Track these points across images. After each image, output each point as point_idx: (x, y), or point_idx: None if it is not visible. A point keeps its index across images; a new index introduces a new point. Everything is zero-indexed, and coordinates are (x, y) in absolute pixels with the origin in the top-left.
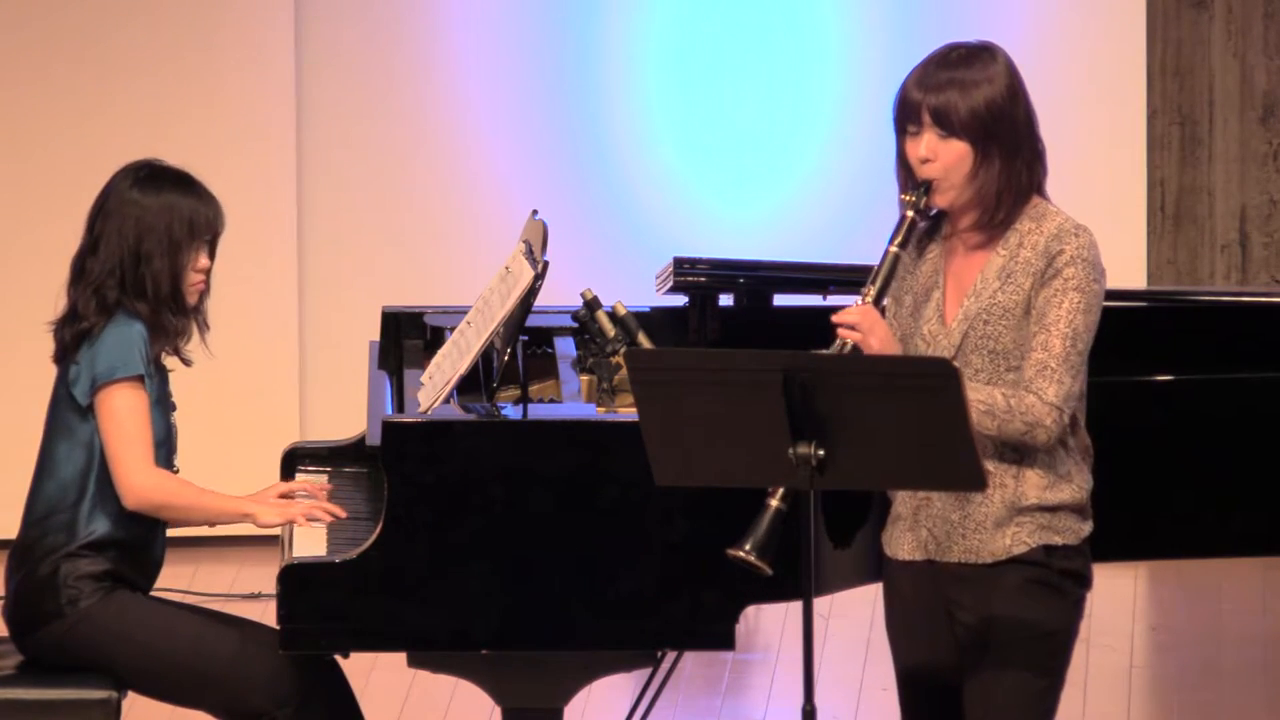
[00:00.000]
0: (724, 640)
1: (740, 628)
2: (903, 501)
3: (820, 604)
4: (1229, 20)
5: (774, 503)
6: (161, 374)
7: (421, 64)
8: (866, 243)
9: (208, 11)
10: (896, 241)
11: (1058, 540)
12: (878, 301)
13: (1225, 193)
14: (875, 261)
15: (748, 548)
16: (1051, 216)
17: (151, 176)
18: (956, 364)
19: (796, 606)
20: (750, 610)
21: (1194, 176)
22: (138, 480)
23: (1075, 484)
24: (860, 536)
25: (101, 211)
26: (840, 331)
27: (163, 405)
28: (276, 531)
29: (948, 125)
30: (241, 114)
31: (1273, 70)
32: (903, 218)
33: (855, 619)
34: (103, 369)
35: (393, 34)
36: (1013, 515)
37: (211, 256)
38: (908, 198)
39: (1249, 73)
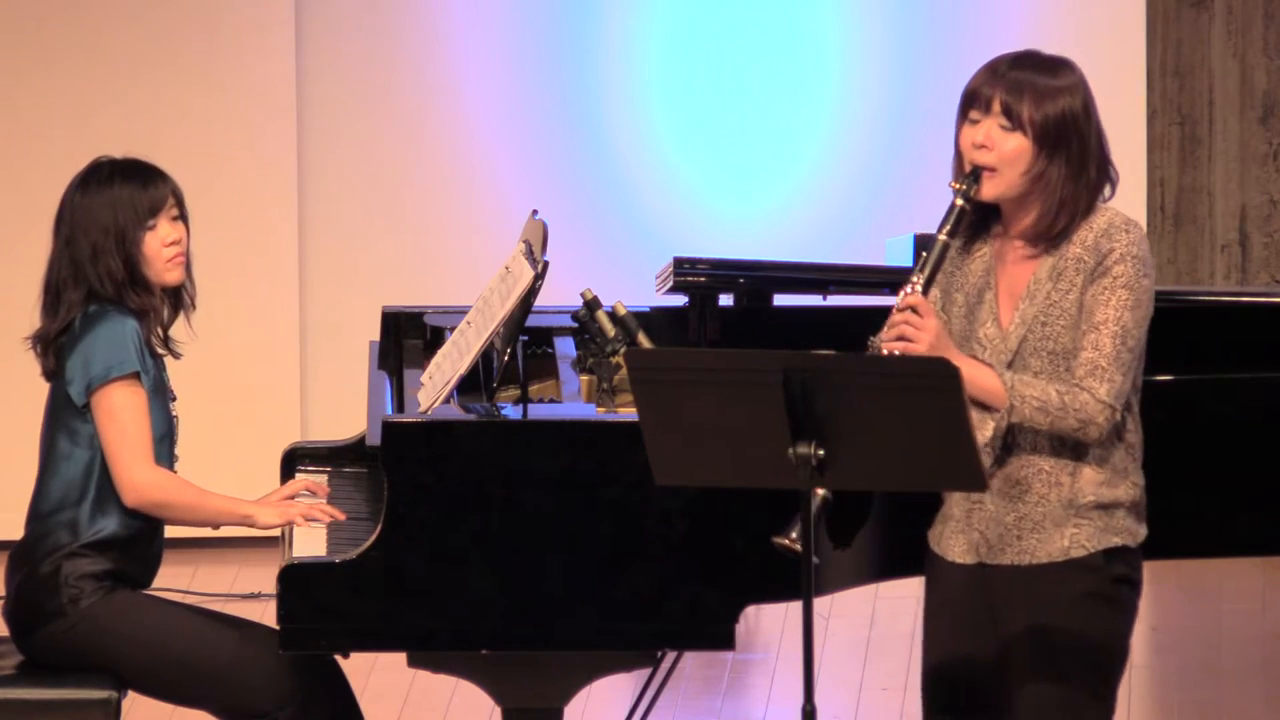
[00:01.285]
0: (724, 640)
1: (740, 628)
2: (955, 502)
3: (820, 604)
4: (1229, 20)
5: (821, 491)
6: (158, 363)
7: (421, 64)
8: (867, 242)
9: (208, 11)
10: (945, 230)
11: (1116, 542)
12: (925, 289)
13: (1225, 193)
14: (874, 261)
15: (794, 535)
16: (1100, 212)
17: (94, 174)
18: (1013, 367)
19: (796, 606)
20: (750, 610)
21: (1194, 176)
22: (139, 478)
23: (1131, 479)
24: (860, 536)
25: (57, 223)
26: (896, 318)
27: (161, 395)
28: (276, 532)
29: (1015, 118)
30: (241, 114)
31: (1273, 70)
32: (951, 205)
33: (855, 619)
34: (98, 370)
35: (393, 34)
36: (1070, 515)
37: (187, 224)
38: (957, 185)
39: (1249, 73)
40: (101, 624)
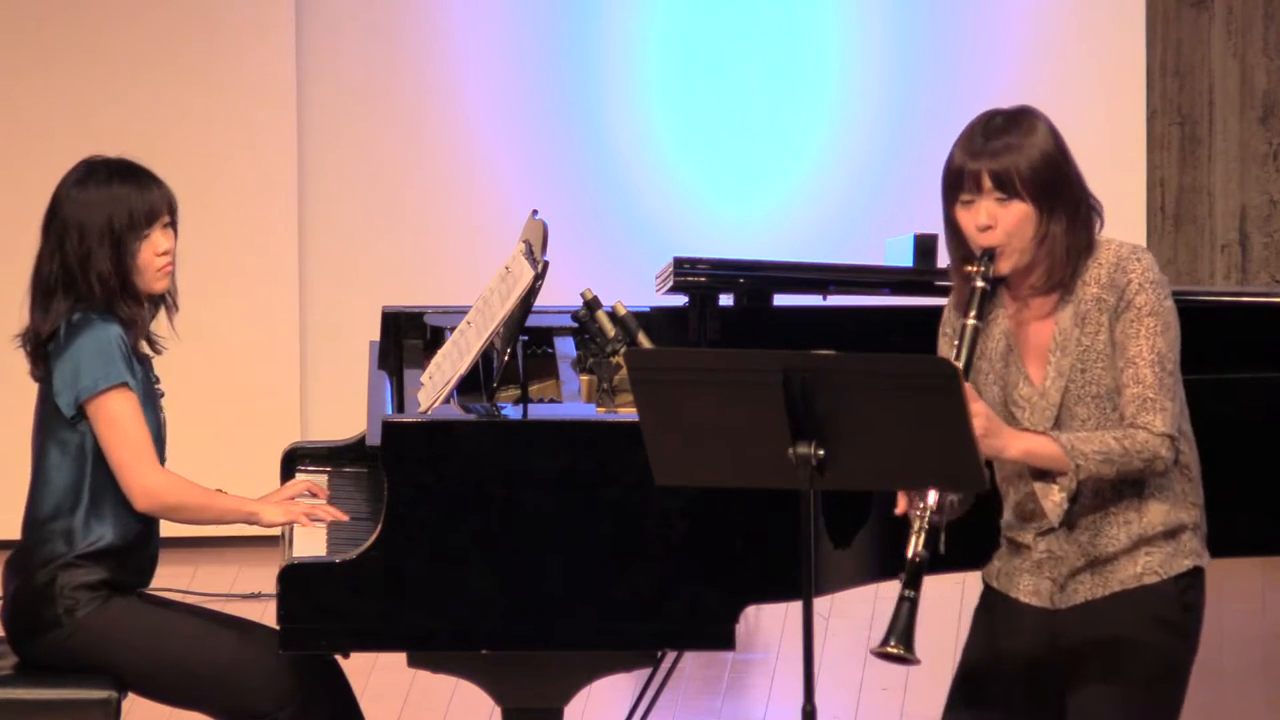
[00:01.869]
0: (724, 640)
1: (740, 628)
2: (1024, 547)
3: (820, 604)
4: (1229, 20)
5: (908, 593)
6: (145, 365)
7: (422, 64)
8: (867, 242)
9: (208, 11)
10: (973, 315)
11: (1187, 565)
12: (966, 376)
13: (1225, 193)
14: (873, 261)
15: (893, 643)
16: (1104, 246)
17: (90, 173)
18: (1060, 420)
19: (796, 606)
20: (750, 610)
21: (1194, 177)
22: (149, 483)
23: (1190, 500)
24: (860, 536)
25: (47, 220)
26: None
27: (150, 399)
28: (276, 531)
29: (1009, 188)
30: (241, 114)
31: (1273, 70)
32: (973, 290)
33: (855, 619)
34: (86, 382)
35: (393, 34)
36: (1141, 546)
37: (176, 234)
38: (974, 269)
39: (1249, 73)
40: (99, 632)
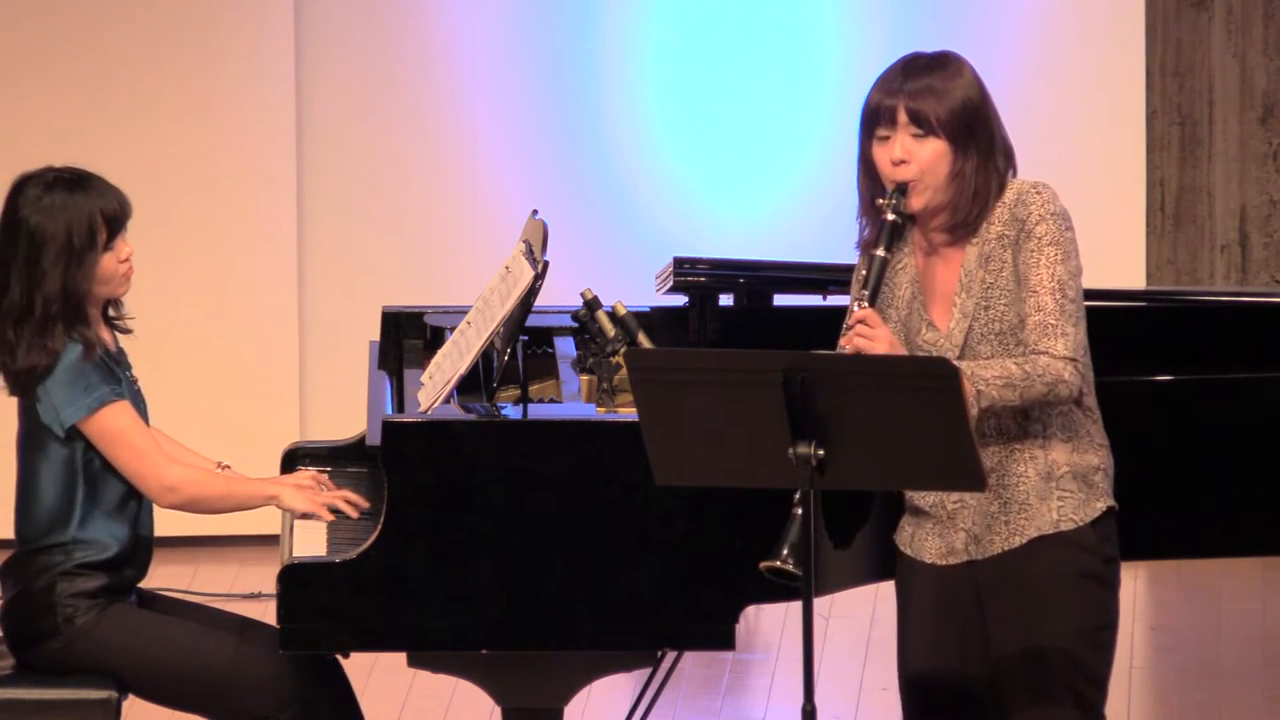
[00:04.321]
0: (724, 640)
1: (740, 628)
2: (934, 504)
3: (820, 604)
4: (1229, 20)
5: (800, 510)
6: (120, 363)
7: (421, 64)
8: None
9: (207, 11)
10: (881, 247)
11: (1100, 507)
12: (872, 303)
13: (1225, 193)
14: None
15: (785, 554)
16: (1008, 187)
17: (47, 188)
18: (963, 358)
19: (796, 606)
20: (750, 610)
21: (1194, 176)
22: (169, 480)
23: (1097, 442)
24: (860, 536)
25: (6, 239)
26: (849, 334)
27: (131, 394)
28: (276, 531)
29: (925, 124)
30: (241, 114)
31: (1273, 70)
32: (883, 222)
33: (855, 619)
34: (69, 413)
35: (392, 34)
36: (1051, 488)
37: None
38: (884, 202)
39: (1249, 73)
40: (97, 639)
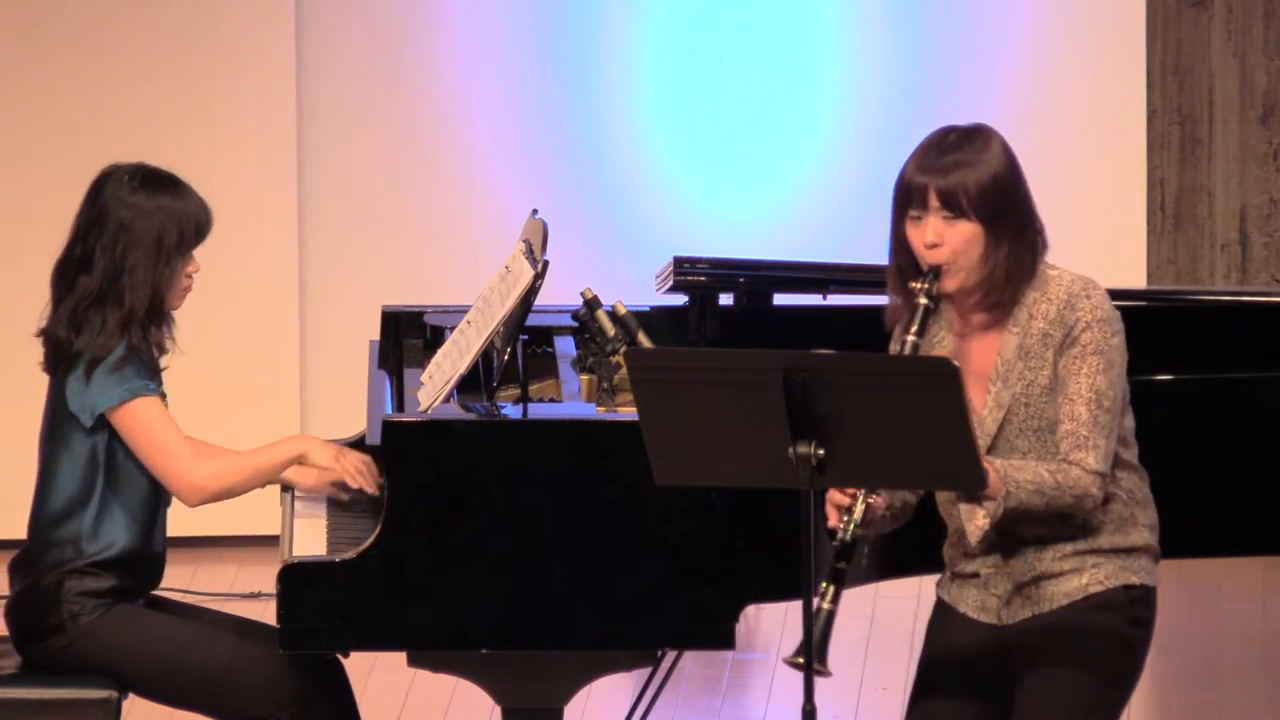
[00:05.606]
0: (724, 640)
1: (740, 628)
2: (971, 563)
3: None
4: (1229, 20)
5: (825, 605)
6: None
7: (421, 64)
8: (867, 242)
9: (208, 12)
10: (913, 331)
11: (1135, 580)
12: None
13: (1225, 193)
14: (873, 261)
15: (794, 653)
16: (1054, 281)
17: (143, 182)
18: (996, 450)
19: (796, 606)
20: (750, 610)
21: (1194, 176)
22: (197, 478)
23: (1142, 524)
24: None
25: (94, 222)
26: None
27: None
28: (276, 531)
29: (956, 206)
30: (241, 114)
31: (1273, 70)
32: (915, 306)
33: (855, 619)
34: (101, 399)
35: (393, 34)
36: (1087, 559)
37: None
38: (918, 285)
39: (1249, 73)
40: (101, 638)
